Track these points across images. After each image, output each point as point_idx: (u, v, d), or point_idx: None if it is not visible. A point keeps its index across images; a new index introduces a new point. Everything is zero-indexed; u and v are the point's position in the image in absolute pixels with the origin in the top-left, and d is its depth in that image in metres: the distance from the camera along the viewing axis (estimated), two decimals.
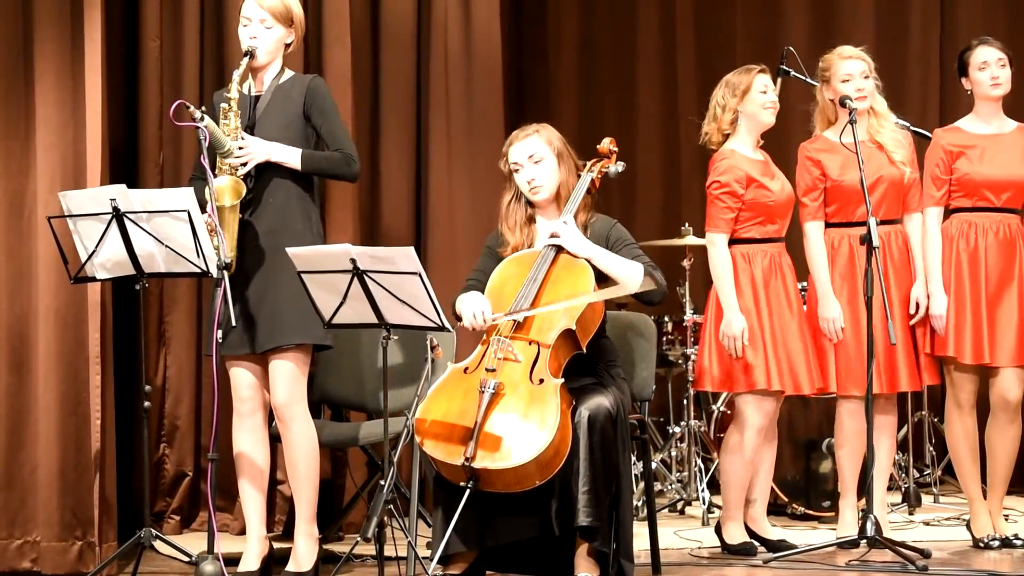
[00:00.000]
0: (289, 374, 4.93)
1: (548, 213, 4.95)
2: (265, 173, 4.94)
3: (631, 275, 4.80)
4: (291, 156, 4.93)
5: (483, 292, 4.85)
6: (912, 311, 5.56)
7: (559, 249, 4.81)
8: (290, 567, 5.00)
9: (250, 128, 4.97)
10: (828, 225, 5.62)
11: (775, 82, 5.66)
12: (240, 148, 4.85)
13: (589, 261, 4.80)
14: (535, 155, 4.89)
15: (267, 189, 4.95)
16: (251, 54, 4.94)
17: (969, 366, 5.54)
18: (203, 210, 4.75)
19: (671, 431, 6.82)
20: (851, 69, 5.58)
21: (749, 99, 5.51)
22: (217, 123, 4.86)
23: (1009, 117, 5.69)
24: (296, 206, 4.98)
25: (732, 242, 5.51)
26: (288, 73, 5.08)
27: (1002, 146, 5.61)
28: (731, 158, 5.52)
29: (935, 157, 5.61)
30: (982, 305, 5.51)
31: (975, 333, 5.50)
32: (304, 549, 5.00)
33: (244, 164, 4.87)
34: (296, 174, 4.96)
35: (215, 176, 4.84)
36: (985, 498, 5.67)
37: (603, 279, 4.84)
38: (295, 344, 4.92)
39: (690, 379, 6.53)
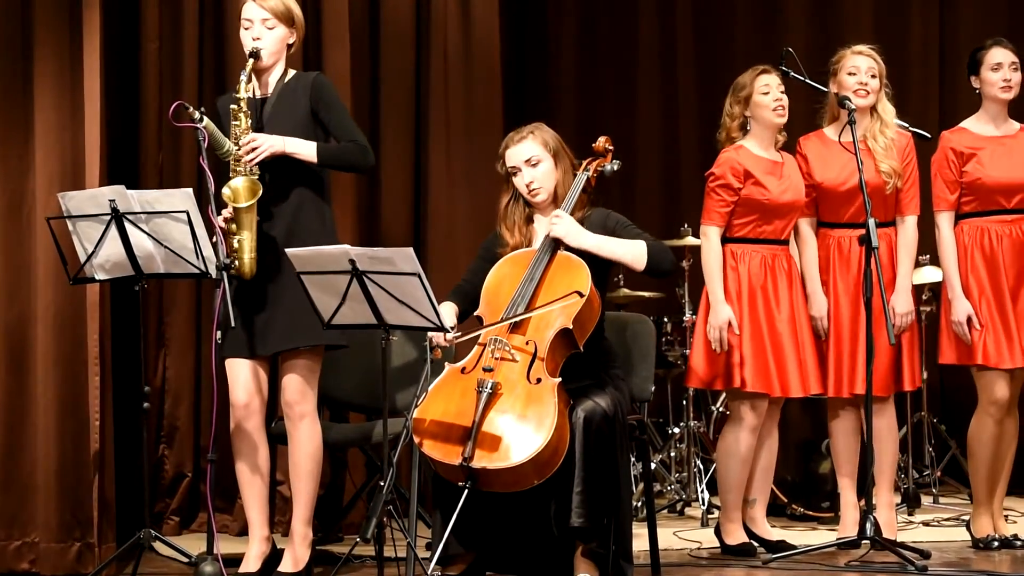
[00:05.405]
0: (303, 375, 4.92)
1: (546, 212, 4.93)
2: (279, 177, 4.92)
3: (636, 253, 4.78)
4: (307, 148, 4.89)
5: (470, 297, 4.85)
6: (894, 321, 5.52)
7: (557, 246, 4.80)
8: (283, 567, 4.99)
9: (259, 132, 4.93)
10: (818, 224, 5.63)
11: None
12: (242, 144, 4.83)
13: (593, 253, 4.78)
14: (532, 158, 4.87)
15: (281, 192, 4.92)
16: (256, 55, 4.91)
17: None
18: (220, 213, 4.76)
19: (670, 432, 6.83)
20: (858, 63, 5.58)
21: (753, 103, 5.52)
22: (227, 126, 4.86)
23: (1012, 118, 5.68)
24: (310, 207, 4.96)
25: (726, 240, 5.52)
26: (291, 72, 5.06)
27: (1009, 149, 5.59)
28: (734, 153, 5.52)
29: (945, 160, 5.58)
30: (1008, 309, 5.48)
31: (1007, 338, 5.46)
32: (299, 550, 4.99)
33: (255, 151, 4.81)
34: (309, 176, 4.94)
35: (230, 178, 4.83)
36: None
37: (600, 269, 4.82)
38: (311, 345, 4.92)
39: None
